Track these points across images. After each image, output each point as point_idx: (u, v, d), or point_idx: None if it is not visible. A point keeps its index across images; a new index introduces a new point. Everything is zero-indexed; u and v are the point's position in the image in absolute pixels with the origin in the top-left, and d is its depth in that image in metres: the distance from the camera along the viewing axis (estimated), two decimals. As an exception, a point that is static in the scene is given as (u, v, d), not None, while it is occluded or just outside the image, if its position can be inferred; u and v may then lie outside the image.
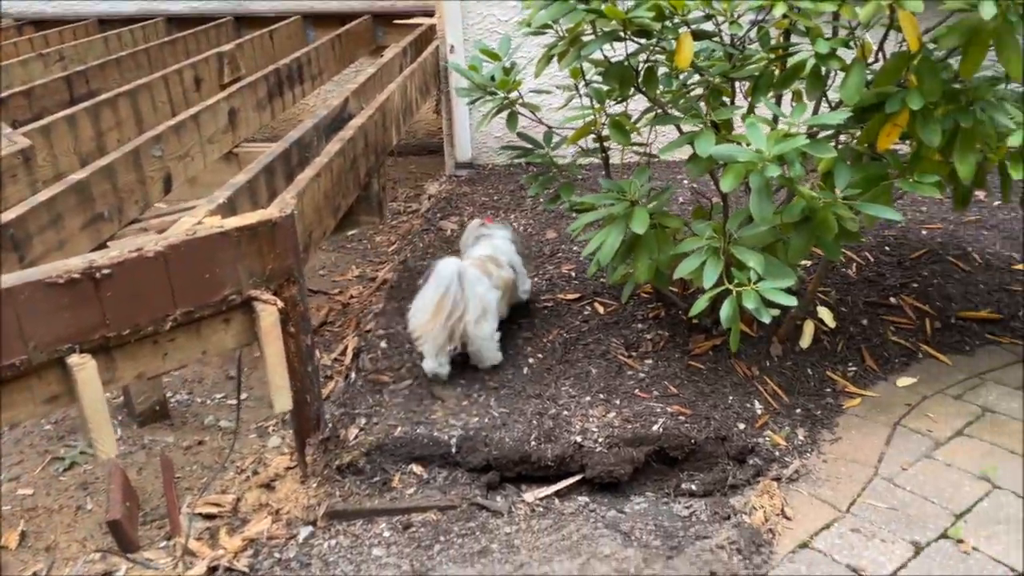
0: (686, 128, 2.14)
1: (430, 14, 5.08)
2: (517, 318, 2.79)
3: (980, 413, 2.38)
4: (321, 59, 4.39)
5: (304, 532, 2.10)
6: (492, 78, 2.46)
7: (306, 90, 4.18)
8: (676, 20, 1.89)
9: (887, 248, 3.23)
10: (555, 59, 2.31)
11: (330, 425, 2.31)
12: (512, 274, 2.67)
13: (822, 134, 2.18)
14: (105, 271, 1.70)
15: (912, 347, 2.68)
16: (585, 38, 2.08)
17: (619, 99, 2.23)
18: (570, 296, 2.95)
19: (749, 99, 2.05)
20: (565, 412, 2.33)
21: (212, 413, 2.83)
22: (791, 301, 1.88)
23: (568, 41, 2.08)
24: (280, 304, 2.00)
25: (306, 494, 2.21)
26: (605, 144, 2.56)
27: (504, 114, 2.54)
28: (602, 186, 2.69)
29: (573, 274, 3.12)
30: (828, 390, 2.50)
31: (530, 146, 2.55)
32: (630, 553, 1.93)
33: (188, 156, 2.94)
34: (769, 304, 1.93)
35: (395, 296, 3.08)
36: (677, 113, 2.21)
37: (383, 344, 2.74)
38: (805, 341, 2.61)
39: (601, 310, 2.85)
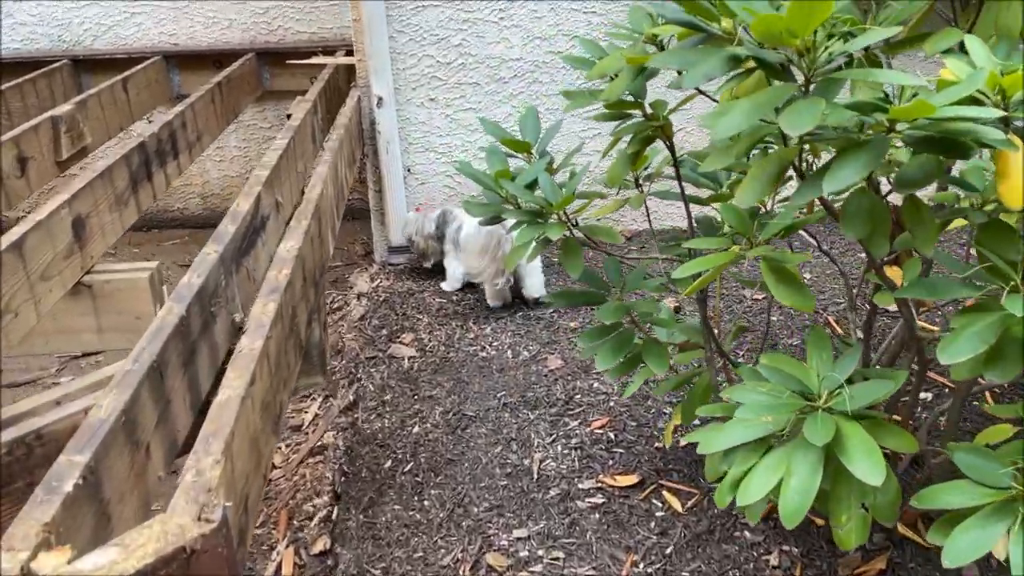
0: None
1: (331, 52, 4.03)
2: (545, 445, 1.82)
3: None
4: (199, 119, 3.26)
5: None
6: (533, 185, 1.49)
7: (182, 165, 3.05)
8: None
9: None
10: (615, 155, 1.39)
11: None
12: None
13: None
14: None
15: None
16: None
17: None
18: (623, 480, 2.01)
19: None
20: None
21: None
22: None
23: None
24: None
25: None
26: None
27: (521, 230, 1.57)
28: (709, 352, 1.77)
29: (612, 435, 2.18)
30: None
31: (598, 291, 1.58)
32: None
33: (11, 312, 1.81)
34: None
35: (352, 483, 2.05)
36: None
37: (360, 607, 1.71)
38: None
39: (678, 505, 1.92)
